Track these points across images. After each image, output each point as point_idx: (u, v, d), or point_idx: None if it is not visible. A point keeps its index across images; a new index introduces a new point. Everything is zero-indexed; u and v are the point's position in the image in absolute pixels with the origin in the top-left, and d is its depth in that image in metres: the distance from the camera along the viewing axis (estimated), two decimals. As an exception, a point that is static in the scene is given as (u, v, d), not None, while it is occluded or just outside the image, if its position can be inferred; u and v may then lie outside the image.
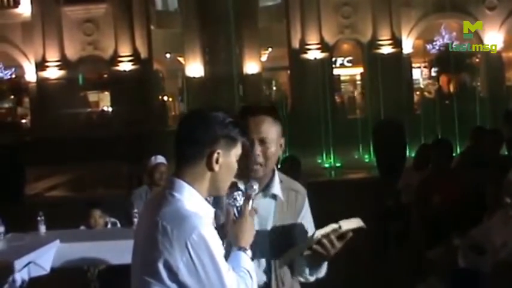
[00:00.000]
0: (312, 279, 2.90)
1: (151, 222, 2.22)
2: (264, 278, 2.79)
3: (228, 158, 2.34)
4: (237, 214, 2.44)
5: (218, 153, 2.30)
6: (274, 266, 2.79)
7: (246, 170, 2.66)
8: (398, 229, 7.27)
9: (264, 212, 2.76)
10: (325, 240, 2.66)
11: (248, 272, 2.35)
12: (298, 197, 2.92)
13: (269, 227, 2.79)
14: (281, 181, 2.85)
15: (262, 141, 2.77)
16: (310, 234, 2.80)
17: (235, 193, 2.48)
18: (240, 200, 2.48)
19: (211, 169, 2.30)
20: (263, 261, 2.77)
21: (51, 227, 6.25)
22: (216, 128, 2.31)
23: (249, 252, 2.42)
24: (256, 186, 2.60)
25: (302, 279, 2.93)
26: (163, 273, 2.17)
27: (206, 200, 2.41)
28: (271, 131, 2.80)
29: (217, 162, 2.30)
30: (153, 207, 2.29)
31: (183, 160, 2.32)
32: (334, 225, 2.66)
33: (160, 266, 2.16)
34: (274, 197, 2.82)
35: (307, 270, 2.86)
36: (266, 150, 2.77)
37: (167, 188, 2.31)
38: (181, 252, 2.14)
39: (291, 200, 2.88)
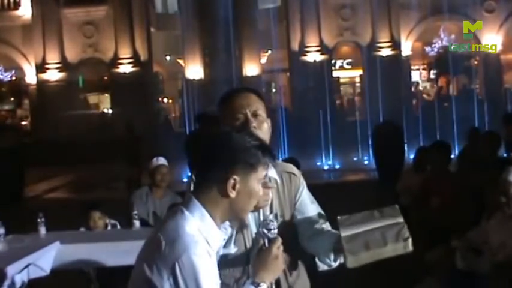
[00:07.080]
0: (334, 264, 2.84)
1: (154, 233, 2.15)
2: None
3: (248, 184, 2.17)
4: (267, 244, 2.30)
5: (235, 179, 2.13)
6: None
7: None
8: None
9: None
10: None
11: None
12: (293, 177, 2.90)
13: (272, 215, 2.73)
14: (274, 166, 2.78)
15: (255, 115, 2.73)
16: (314, 208, 2.90)
17: (271, 223, 2.31)
18: (274, 231, 2.30)
19: (226, 195, 2.14)
20: None
21: (51, 229, 6.27)
22: (236, 154, 2.15)
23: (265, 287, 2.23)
24: None
25: (325, 267, 2.86)
26: None
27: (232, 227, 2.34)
28: (261, 106, 2.76)
29: (234, 188, 2.14)
30: (164, 220, 2.23)
31: (200, 180, 2.20)
32: None
33: (146, 282, 2.06)
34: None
35: (331, 256, 2.80)
36: (261, 124, 2.73)
37: (183, 203, 2.21)
38: (168, 273, 2.02)
39: (287, 182, 2.86)
